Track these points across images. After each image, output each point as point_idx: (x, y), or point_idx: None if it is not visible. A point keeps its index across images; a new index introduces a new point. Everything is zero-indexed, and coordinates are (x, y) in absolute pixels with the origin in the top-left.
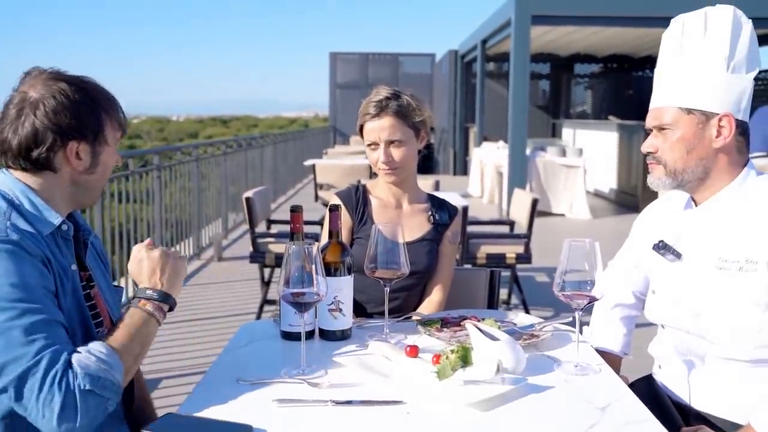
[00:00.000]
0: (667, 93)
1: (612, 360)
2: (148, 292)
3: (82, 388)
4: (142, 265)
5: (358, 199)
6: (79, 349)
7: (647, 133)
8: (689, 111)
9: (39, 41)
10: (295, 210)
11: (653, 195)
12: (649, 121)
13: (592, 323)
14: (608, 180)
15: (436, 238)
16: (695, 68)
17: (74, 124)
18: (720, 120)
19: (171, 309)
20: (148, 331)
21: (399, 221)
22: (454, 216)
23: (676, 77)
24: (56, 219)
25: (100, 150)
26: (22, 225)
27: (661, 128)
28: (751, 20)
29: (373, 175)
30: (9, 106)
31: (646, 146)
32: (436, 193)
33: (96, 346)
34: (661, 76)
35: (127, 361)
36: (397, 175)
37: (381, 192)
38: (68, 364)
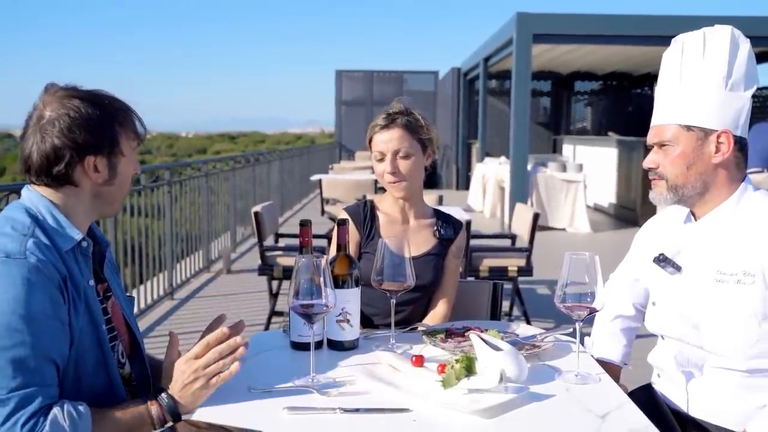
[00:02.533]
0: (668, 111)
1: (612, 370)
2: (164, 395)
3: None
4: (181, 375)
5: (365, 215)
6: (65, 402)
7: (647, 149)
8: (689, 128)
9: (51, 57)
10: (304, 224)
11: (652, 209)
12: (651, 138)
13: (593, 334)
14: (608, 195)
15: (442, 253)
16: (694, 87)
17: (89, 139)
18: (719, 136)
19: (175, 421)
20: (137, 426)
21: (405, 236)
22: (459, 231)
23: (676, 96)
24: (77, 235)
25: (116, 161)
26: (44, 240)
27: (661, 144)
28: (749, 39)
29: (378, 190)
30: (29, 125)
31: (648, 162)
32: (440, 208)
33: (81, 409)
34: (661, 94)
35: None
36: (403, 188)
37: (388, 207)
38: (39, 411)
